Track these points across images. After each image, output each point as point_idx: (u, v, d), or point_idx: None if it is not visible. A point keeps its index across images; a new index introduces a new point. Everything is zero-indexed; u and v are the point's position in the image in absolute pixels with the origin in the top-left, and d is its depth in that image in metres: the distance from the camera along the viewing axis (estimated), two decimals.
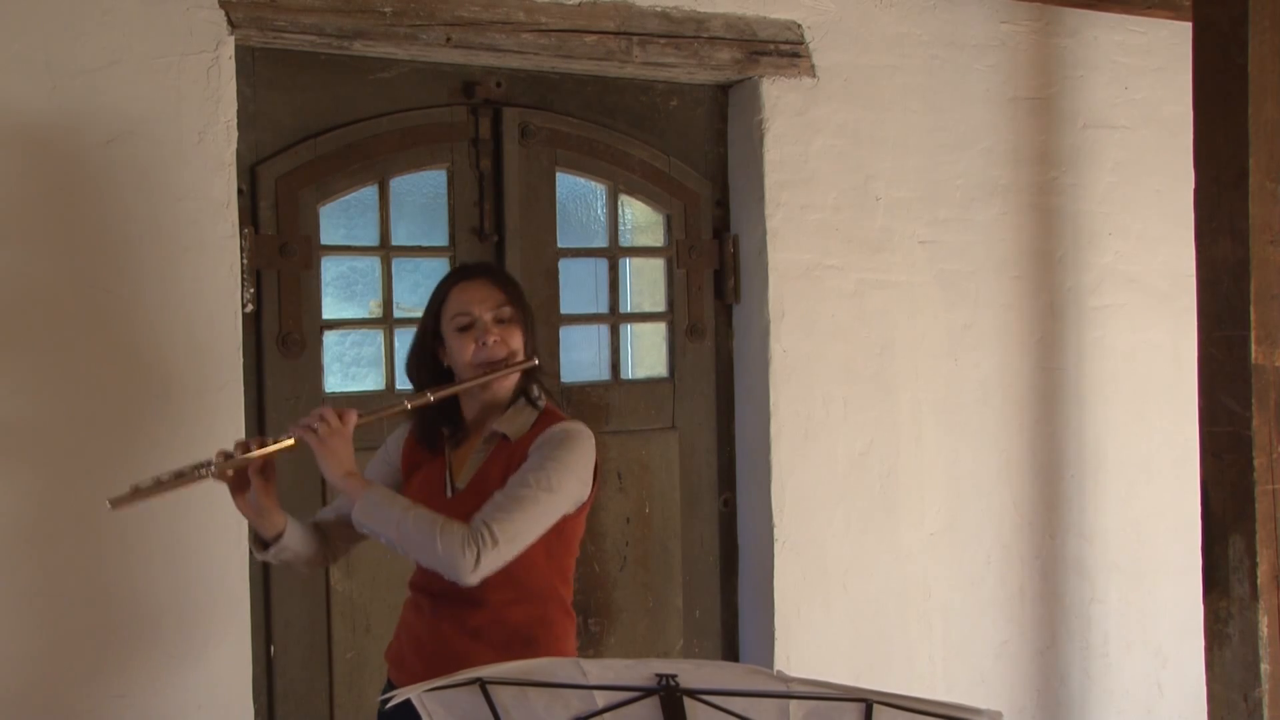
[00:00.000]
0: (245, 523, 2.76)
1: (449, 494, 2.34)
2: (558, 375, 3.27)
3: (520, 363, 2.35)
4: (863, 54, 3.53)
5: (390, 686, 2.40)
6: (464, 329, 2.33)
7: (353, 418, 2.23)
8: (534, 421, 2.36)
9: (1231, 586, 2.95)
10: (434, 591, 2.31)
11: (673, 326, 3.46)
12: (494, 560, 2.15)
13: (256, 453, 2.22)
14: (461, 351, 2.33)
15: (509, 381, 2.37)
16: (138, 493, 2.16)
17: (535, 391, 2.40)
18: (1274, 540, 2.93)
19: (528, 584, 2.28)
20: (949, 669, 3.69)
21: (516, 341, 2.35)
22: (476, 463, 2.36)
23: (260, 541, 2.34)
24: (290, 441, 2.23)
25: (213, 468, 2.19)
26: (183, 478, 2.18)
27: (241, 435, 2.77)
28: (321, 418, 2.21)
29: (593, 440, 2.35)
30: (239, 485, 2.26)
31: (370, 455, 2.50)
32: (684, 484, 3.47)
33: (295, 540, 2.33)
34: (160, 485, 2.17)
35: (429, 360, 2.41)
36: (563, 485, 2.25)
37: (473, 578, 2.14)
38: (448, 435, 2.41)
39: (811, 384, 3.47)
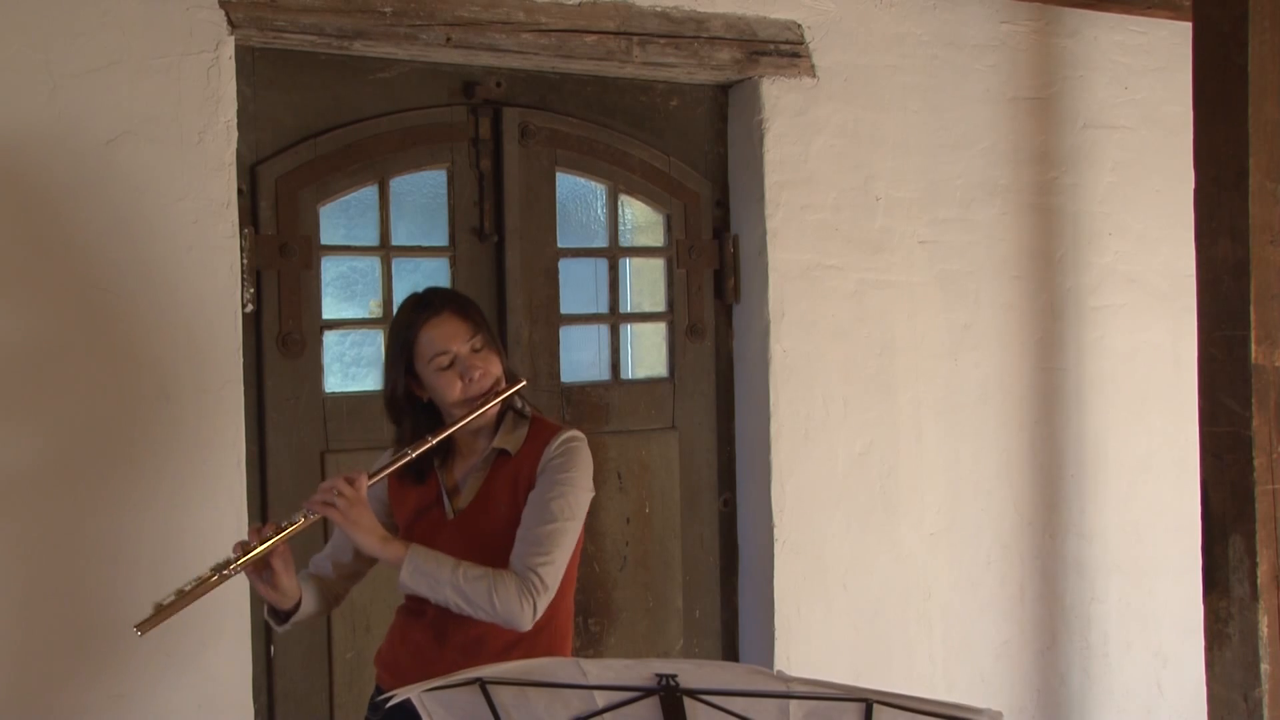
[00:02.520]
0: (244, 520, 2.77)
1: (450, 515, 2.34)
2: (558, 375, 3.27)
3: (511, 388, 2.34)
4: (863, 54, 3.53)
5: (379, 691, 2.40)
6: (445, 369, 2.30)
7: (364, 481, 2.21)
8: (528, 432, 2.36)
9: (1231, 586, 2.95)
10: None
11: (673, 326, 3.46)
12: (546, 602, 2.21)
13: (275, 540, 2.18)
14: (448, 390, 2.30)
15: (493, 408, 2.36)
16: (162, 611, 2.12)
17: (520, 404, 2.40)
18: (1274, 540, 2.93)
19: None
20: (949, 669, 3.69)
21: (496, 367, 2.33)
22: (478, 482, 2.35)
23: (276, 614, 2.33)
24: (304, 522, 2.20)
25: (234, 566, 2.16)
26: (205, 584, 2.14)
27: (241, 434, 2.78)
28: (337, 490, 2.18)
29: (587, 445, 2.36)
30: (258, 570, 2.23)
31: (370, 454, 2.50)
32: (684, 484, 3.47)
33: (309, 606, 2.35)
34: (184, 596, 2.13)
35: (407, 398, 2.36)
36: (581, 506, 2.29)
37: (530, 625, 2.20)
38: (436, 464, 2.39)
39: (811, 384, 3.47)
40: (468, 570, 2.18)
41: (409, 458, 2.27)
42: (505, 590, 2.17)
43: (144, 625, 2.11)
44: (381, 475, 2.27)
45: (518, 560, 2.21)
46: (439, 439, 2.29)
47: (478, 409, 2.29)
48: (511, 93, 3.20)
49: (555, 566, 2.21)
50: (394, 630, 2.45)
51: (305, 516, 2.19)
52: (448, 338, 2.29)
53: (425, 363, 2.30)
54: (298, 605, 2.30)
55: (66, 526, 2.63)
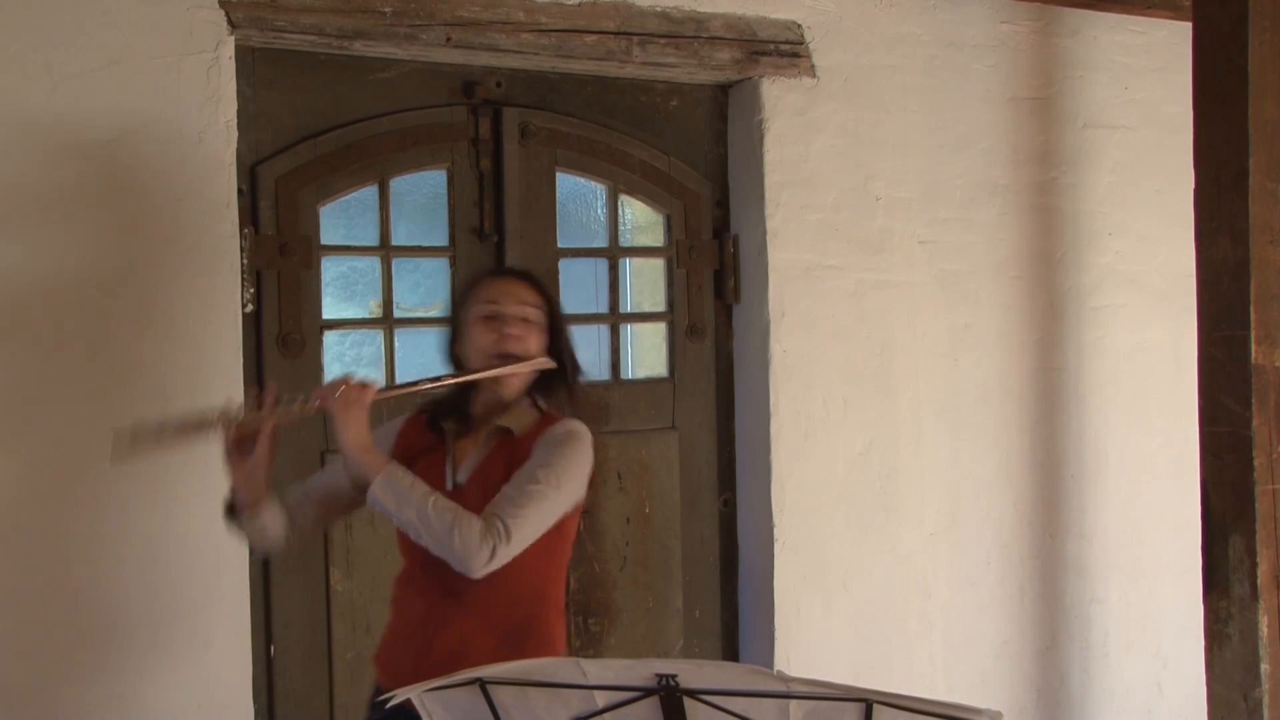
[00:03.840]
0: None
1: (449, 486, 2.34)
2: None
3: (538, 360, 2.35)
4: (863, 54, 3.53)
5: (378, 691, 2.39)
6: (487, 318, 2.34)
7: (371, 391, 2.23)
8: (536, 420, 2.37)
9: (1231, 586, 2.95)
10: (426, 591, 2.31)
11: (673, 326, 3.46)
12: (506, 555, 2.17)
13: (269, 415, 2.20)
14: (480, 337, 2.34)
15: (518, 381, 2.37)
16: (138, 439, 2.13)
17: (541, 403, 2.41)
18: (1274, 540, 2.93)
19: (524, 583, 2.29)
20: (949, 669, 3.69)
21: (534, 344, 2.36)
22: (479, 457, 2.36)
23: (232, 509, 2.31)
24: (301, 407, 2.21)
25: (224, 421, 2.18)
26: (188, 428, 2.17)
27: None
28: (344, 387, 2.20)
29: (591, 440, 2.36)
30: (239, 446, 2.23)
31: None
32: (684, 484, 3.47)
33: (270, 522, 2.31)
34: (164, 433, 2.15)
35: (447, 350, 2.44)
36: (567, 484, 2.27)
37: (482, 571, 2.16)
38: (451, 429, 2.40)
39: (811, 384, 3.47)
40: (438, 500, 2.17)
41: (418, 387, 2.32)
42: (468, 529, 2.14)
43: (118, 452, 2.14)
44: (390, 394, 2.32)
45: (490, 508, 2.20)
46: (456, 381, 2.33)
47: (501, 367, 2.31)
48: (511, 93, 3.20)
49: (525, 522, 2.18)
50: (390, 629, 2.45)
51: (305, 403, 2.21)
52: (502, 293, 2.36)
53: (473, 308, 2.37)
54: (257, 510, 2.27)
55: (67, 526, 2.63)
